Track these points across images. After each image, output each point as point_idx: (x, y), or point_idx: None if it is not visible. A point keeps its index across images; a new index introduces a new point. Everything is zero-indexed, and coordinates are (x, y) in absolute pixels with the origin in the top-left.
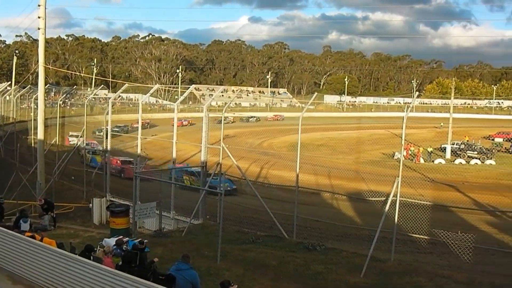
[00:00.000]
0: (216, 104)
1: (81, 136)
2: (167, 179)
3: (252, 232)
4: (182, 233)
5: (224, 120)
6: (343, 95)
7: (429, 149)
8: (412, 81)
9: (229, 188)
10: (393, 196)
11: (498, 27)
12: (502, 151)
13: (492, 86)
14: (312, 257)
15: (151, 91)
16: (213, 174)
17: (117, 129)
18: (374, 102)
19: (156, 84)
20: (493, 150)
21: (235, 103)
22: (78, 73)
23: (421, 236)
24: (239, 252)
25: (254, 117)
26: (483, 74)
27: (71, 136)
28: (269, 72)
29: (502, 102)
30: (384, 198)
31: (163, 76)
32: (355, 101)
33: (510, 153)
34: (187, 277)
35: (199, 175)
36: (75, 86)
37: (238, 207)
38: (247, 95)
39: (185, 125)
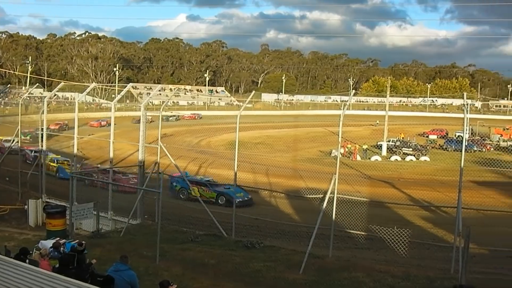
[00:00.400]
0: (150, 103)
1: (15, 137)
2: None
3: (191, 231)
4: (120, 233)
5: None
6: (280, 93)
7: (364, 147)
8: (349, 80)
9: (245, 199)
10: (331, 193)
11: (432, 27)
12: (436, 148)
13: (426, 84)
14: (251, 255)
15: (88, 90)
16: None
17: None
18: (311, 100)
19: (92, 82)
20: (428, 147)
21: (173, 102)
22: (12, 72)
23: (359, 232)
24: (178, 252)
25: (175, 116)
26: (417, 72)
27: (5, 141)
28: (207, 71)
29: (436, 100)
30: (322, 195)
31: (100, 74)
32: (292, 99)
33: (444, 150)
34: (126, 278)
35: (211, 185)
36: (9, 85)
37: (176, 206)
38: (185, 94)
39: (103, 125)
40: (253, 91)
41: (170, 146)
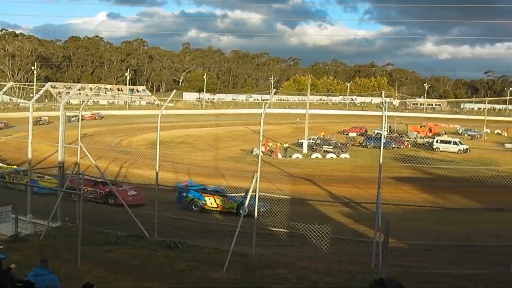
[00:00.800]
0: (69, 103)
1: None
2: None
3: (113, 232)
4: (40, 237)
5: (39, 120)
6: (202, 92)
7: (285, 145)
8: (270, 78)
9: (267, 208)
10: (253, 191)
11: (351, 27)
12: (356, 145)
13: (346, 83)
14: (174, 255)
15: (4, 89)
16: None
17: None
18: (232, 99)
19: (10, 81)
20: (348, 144)
21: (93, 101)
22: None
23: (281, 230)
24: (100, 254)
25: (76, 116)
26: (337, 71)
27: None
28: (128, 69)
29: (355, 98)
30: (244, 194)
31: (18, 73)
32: (214, 98)
33: (363, 147)
34: (47, 282)
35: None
36: None
37: (98, 207)
38: (105, 93)
39: (0, 127)
40: (174, 90)
41: (91, 147)
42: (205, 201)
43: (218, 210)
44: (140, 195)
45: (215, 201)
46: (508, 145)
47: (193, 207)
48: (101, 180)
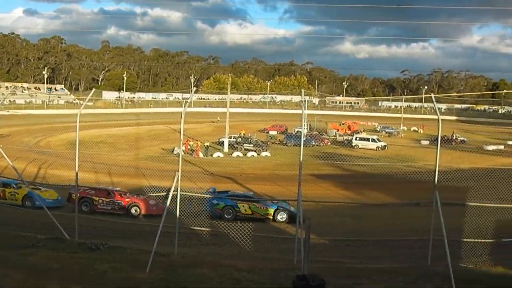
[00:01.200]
0: None
1: None
2: None
3: (32, 235)
4: None
5: None
6: (122, 91)
7: (206, 144)
8: (190, 77)
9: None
10: (174, 191)
11: (271, 26)
12: (276, 143)
13: (266, 81)
14: (96, 257)
15: None
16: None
17: None
18: (153, 98)
19: None
20: (268, 143)
21: (9, 101)
22: None
23: (203, 229)
24: (19, 257)
25: None
26: (257, 70)
27: None
28: (45, 68)
29: (276, 97)
30: (165, 193)
31: None
32: (134, 97)
33: (284, 145)
34: None
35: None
36: None
37: (15, 210)
38: (22, 92)
39: None
40: (94, 89)
41: (7, 147)
42: (239, 208)
43: (253, 217)
44: (159, 205)
45: (250, 208)
46: (424, 142)
47: (225, 215)
48: (117, 189)
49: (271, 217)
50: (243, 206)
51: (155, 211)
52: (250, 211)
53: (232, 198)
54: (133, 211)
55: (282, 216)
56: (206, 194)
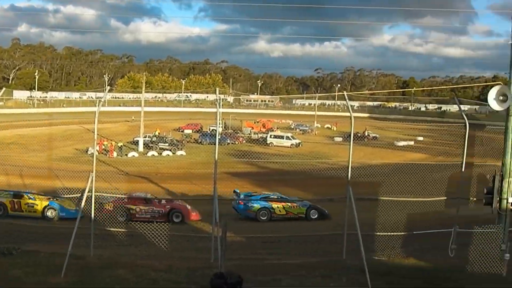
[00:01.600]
0: None
1: None
2: None
3: None
4: None
5: None
6: (33, 90)
7: (120, 144)
8: (104, 76)
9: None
10: (88, 192)
11: (186, 24)
12: (192, 142)
13: (181, 80)
14: (9, 262)
15: None
16: None
17: None
18: (66, 97)
19: None
20: (183, 142)
21: None
22: None
23: (119, 230)
24: None
25: None
26: (172, 68)
27: None
28: None
29: (190, 95)
30: (80, 195)
31: None
32: (46, 97)
33: (199, 144)
34: None
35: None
36: None
37: None
38: None
39: None
40: (4, 88)
41: None
42: (274, 209)
43: (287, 217)
44: (195, 210)
45: (284, 208)
46: (337, 139)
47: (261, 217)
48: (150, 196)
49: (304, 216)
50: (278, 207)
51: (195, 216)
52: (285, 211)
53: (266, 199)
54: (174, 218)
55: (314, 214)
56: (236, 198)
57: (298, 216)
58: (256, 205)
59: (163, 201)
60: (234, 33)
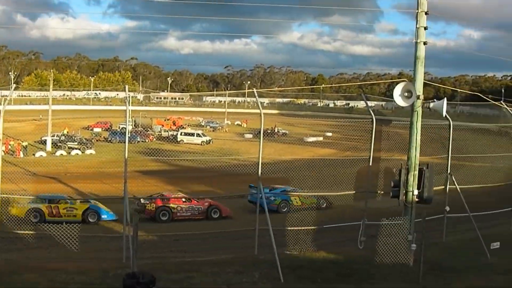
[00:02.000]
0: None
1: None
2: None
3: None
4: None
5: None
6: None
7: (24, 144)
8: (10, 73)
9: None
10: None
11: (95, 20)
12: (101, 141)
13: (90, 77)
14: None
15: None
16: None
17: None
18: None
19: None
20: (93, 140)
21: None
22: None
23: (27, 232)
24: None
25: None
26: (81, 66)
27: None
28: None
29: (100, 93)
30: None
31: None
32: None
33: (109, 142)
34: None
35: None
36: None
37: None
38: None
39: None
40: None
41: None
42: (292, 201)
43: (302, 208)
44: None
45: (300, 199)
46: (247, 135)
47: (282, 209)
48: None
49: (315, 205)
50: (295, 199)
51: (229, 212)
52: (300, 203)
53: (284, 193)
54: (213, 214)
55: (323, 204)
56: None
57: (311, 206)
58: (278, 199)
59: (199, 200)
60: (143, 29)
